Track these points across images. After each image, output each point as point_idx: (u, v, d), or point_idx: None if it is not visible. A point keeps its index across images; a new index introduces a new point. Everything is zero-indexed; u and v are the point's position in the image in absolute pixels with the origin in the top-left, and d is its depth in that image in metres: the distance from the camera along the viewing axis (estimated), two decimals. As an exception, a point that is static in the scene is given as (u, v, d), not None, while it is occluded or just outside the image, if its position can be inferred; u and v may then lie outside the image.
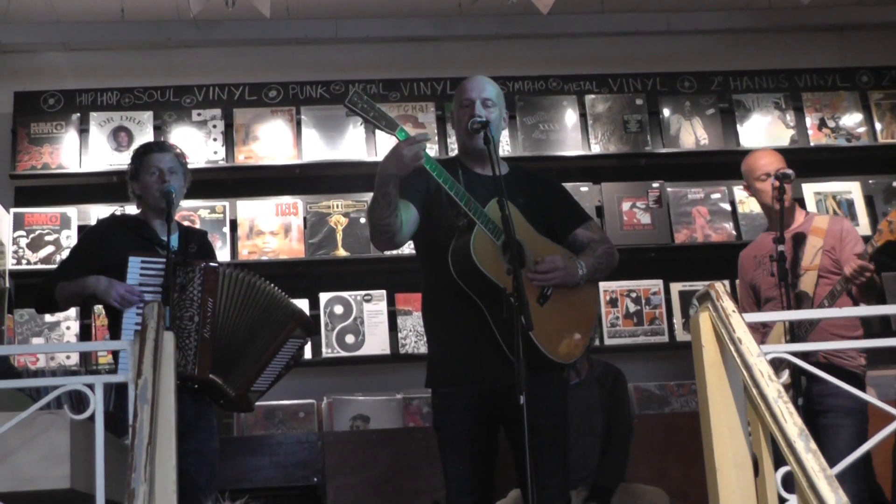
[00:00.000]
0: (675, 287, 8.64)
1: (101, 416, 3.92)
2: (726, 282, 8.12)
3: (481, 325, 4.87)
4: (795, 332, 5.93)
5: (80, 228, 8.21)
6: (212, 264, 5.67)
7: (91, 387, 3.95)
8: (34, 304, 5.91)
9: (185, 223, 7.55)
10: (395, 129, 4.78)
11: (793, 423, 3.63)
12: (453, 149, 8.45)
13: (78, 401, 4.10)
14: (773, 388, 3.75)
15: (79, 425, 4.13)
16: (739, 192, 8.76)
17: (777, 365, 4.31)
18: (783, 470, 3.74)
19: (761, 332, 6.23)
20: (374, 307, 8.34)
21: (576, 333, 5.09)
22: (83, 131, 8.54)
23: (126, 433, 3.87)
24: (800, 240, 6.27)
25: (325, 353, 8.11)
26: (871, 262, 5.87)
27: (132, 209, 6.19)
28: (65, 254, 8.10)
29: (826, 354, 5.96)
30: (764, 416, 3.77)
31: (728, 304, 4.07)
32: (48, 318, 8.02)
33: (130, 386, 3.84)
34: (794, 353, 4.20)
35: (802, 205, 8.60)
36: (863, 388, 6.08)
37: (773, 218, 6.31)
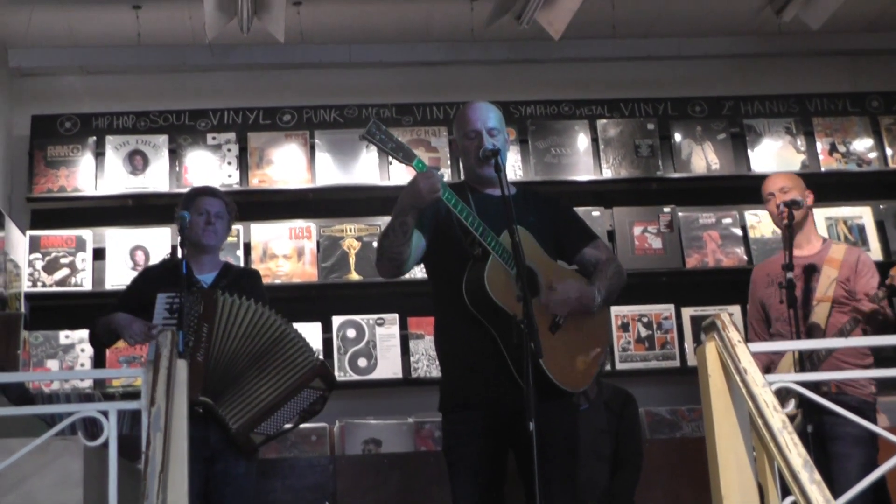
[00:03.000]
0: (687, 312, 8.65)
1: (114, 444, 3.96)
2: (734, 310, 8.23)
3: (492, 351, 4.88)
4: (806, 363, 5.95)
5: (96, 252, 8.32)
6: (210, 292, 5.79)
7: (105, 414, 4.00)
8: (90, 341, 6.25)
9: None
10: (413, 161, 4.82)
11: (797, 454, 3.66)
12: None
13: (92, 424, 4.15)
14: (778, 418, 3.78)
15: (92, 451, 4.18)
16: (751, 216, 8.80)
17: (784, 394, 4.35)
18: (789, 499, 3.77)
19: (771, 357, 6.25)
20: (386, 331, 8.37)
21: (586, 361, 5.12)
22: (99, 154, 8.59)
23: (140, 457, 3.91)
24: (811, 270, 6.29)
25: (338, 376, 8.07)
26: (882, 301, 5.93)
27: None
28: (79, 276, 8.19)
29: (836, 384, 5.99)
30: (769, 445, 3.80)
31: (734, 335, 4.10)
32: (62, 340, 8.08)
33: (144, 413, 3.89)
34: (801, 383, 4.22)
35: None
36: (873, 417, 6.11)
37: (784, 238, 6.36)
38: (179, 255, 6.01)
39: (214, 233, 6.03)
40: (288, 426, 5.90)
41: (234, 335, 5.73)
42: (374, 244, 8.26)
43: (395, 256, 4.95)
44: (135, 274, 6.58)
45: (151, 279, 5.98)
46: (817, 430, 5.82)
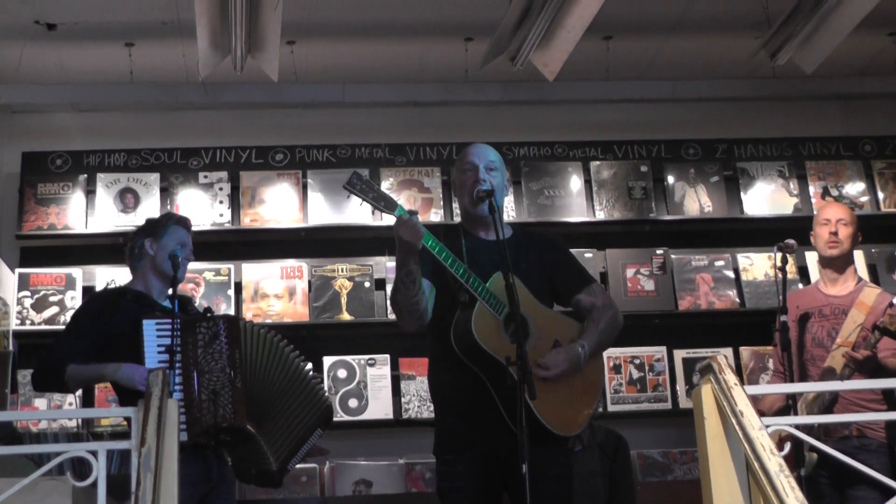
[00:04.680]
0: (679, 354, 8.63)
1: (103, 484, 3.92)
2: (726, 353, 8.20)
3: (485, 394, 4.86)
4: (813, 410, 5.95)
5: (85, 290, 8.25)
6: (233, 317, 5.70)
7: (94, 453, 3.96)
8: (36, 383, 5.68)
9: (191, 286, 7.65)
10: (394, 210, 4.82)
11: (794, 498, 3.63)
12: (458, 213, 8.45)
13: (80, 464, 4.10)
14: (775, 461, 3.76)
15: (81, 491, 4.14)
16: (743, 259, 8.79)
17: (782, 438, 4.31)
18: (786, 543, 3.74)
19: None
20: (377, 371, 8.33)
21: (578, 405, 5.09)
22: (90, 192, 8.56)
23: (129, 496, 3.86)
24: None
25: (328, 417, 8.08)
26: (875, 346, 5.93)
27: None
28: (68, 315, 8.06)
29: (858, 427, 5.97)
30: (766, 489, 3.77)
31: (730, 377, 4.08)
32: (52, 378, 8.02)
33: (134, 454, 3.85)
34: (800, 427, 4.21)
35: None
36: (893, 458, 6.07)
37: (827, 265, 6.42)
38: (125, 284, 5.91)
39: (185, 269, 5.84)
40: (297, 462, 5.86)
41: (259, 361, 5.62)
42: (367, 284, 8.30)
43: (413, 308, 4.92)
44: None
45: (113, 310, 5.64)
46: (835, 474, 5.81)
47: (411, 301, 4.88)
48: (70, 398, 7.98)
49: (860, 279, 6.51)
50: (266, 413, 5.58)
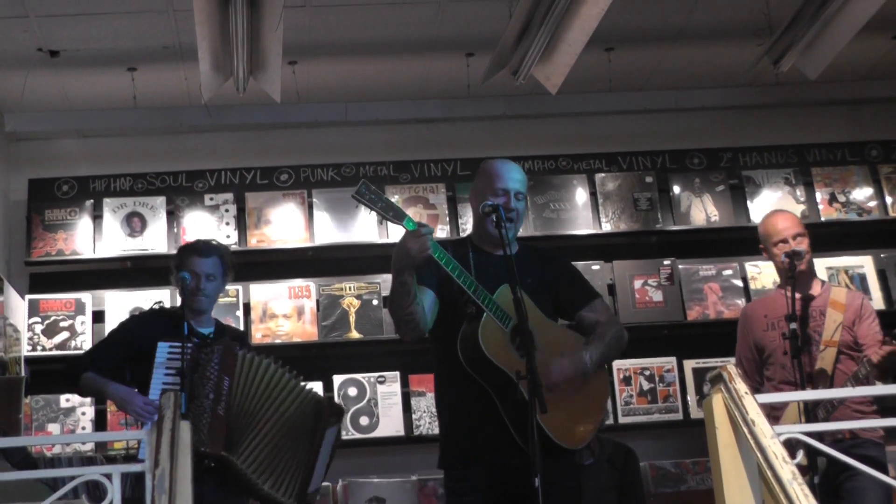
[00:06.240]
0: (689, 364, 8.62)
1: (118, 507, 3.93)
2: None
3: (493, 408, 4.86)
4: (818, 413, 5.90)
5: (95, 314, 8.28)
6: (231, 345, 5.71)
7: (109, 476, 3.96)
8: (65, 380, 5.95)
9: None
10: (403, 220, 4.79)
11: (808, 505, 3.63)
12: (464, 229, 8.47)
13: (94, 487, 4.11)
14: (788, 469, 3.75)
15: (96, 515, 4.14)
16: (751, 267, 8.77)
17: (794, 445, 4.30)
18: (800, 551, 3.74)
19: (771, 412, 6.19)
20: (387, 389, 8.34)
21: (584, 417, 5.08)
22: (97, 217, 8.57)
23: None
24: (806, 310, 6.24)
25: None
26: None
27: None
28: (79, 339, 8.13)
29: (850, 431, 5.93)
30: (779, 497, 3.77)
31: (741, 387, 4.08)
32: (63, 403, 8.04)
33: (148, 476, 3.85)
34: (809, 434, 4.20)
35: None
36: (884, 456, 6.04)
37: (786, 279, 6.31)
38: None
39: (206, 296, 5.91)
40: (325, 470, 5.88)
41: (253, 391, 5.65)
42: (375, 302, 8.30)
43: (408, 318, 4.90)
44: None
45: (149, 327, 5.82)
46: (830, 477, 5.78)
47: (406, 311, 4.86)
48: (83, 422, 8.00)
49: (823, 281, 6.45)
50: (250, 440, 5.59)
